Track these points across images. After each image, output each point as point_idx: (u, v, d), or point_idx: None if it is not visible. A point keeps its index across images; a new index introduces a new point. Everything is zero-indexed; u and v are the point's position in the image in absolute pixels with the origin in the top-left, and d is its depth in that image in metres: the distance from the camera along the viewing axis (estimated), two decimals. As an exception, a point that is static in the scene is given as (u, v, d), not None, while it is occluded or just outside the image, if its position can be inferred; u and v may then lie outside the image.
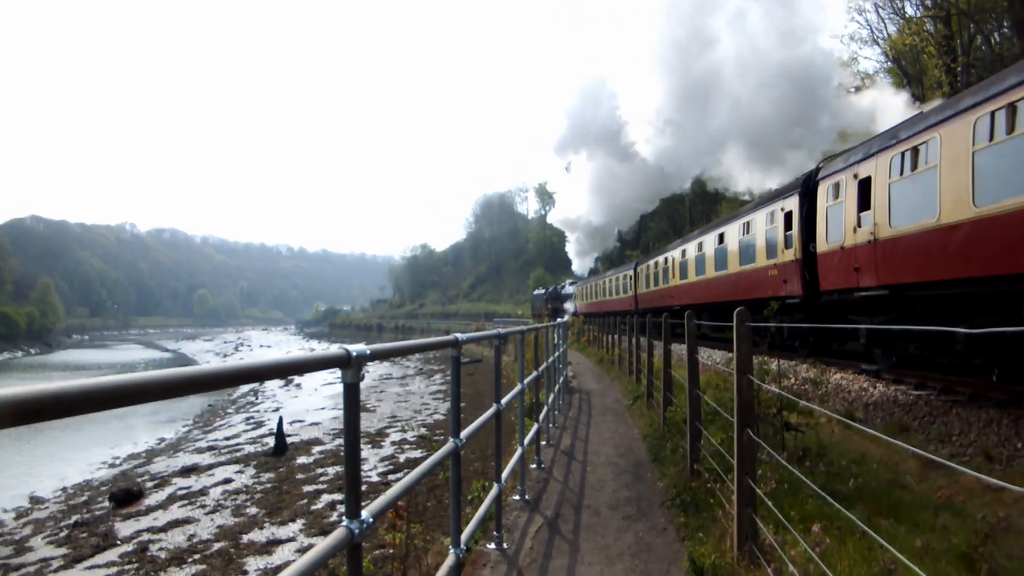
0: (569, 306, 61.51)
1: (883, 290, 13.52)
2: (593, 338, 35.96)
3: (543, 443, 10.16)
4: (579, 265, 79.76)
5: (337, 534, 2.39)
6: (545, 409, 10.67)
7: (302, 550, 11.50)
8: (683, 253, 29.20)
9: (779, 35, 34.42)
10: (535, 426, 8.85)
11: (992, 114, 10.14)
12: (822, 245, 16.23)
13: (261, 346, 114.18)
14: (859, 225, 14.36)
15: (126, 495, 16.32)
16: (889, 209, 13.20)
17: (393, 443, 21.37)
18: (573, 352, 31.22)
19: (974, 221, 10.49)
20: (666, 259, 32.44)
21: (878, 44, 41.65)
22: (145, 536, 13.64)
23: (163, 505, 15.82)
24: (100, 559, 12.59)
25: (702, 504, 6.59)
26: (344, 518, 2.50)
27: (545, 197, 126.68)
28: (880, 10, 39.56)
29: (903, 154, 12.72)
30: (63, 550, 13.24)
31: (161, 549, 12.81)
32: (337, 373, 2.55)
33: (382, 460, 18.80)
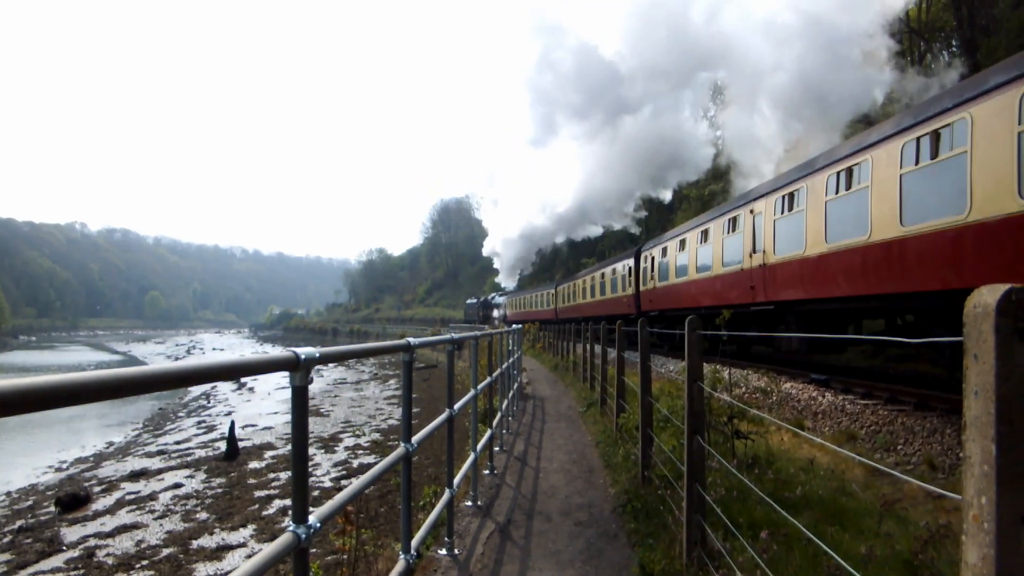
0: (496, 313, 73.69)
1: (657, 312, 26.87)
2: (548, 344, 36.23)
3: (496, 449, 10.16)
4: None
5: (283, 539, 2.36)
6: (499, 415, 10.65)
7: (252, 556, 11.38)
8: (583, 281, 42.47)
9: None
10: (488, 432, 8.82)
11: (681, 241, 24.10)
12: (642, 287, 29.62)
13: (214, 349, 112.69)
14: (651, 279, 27.76)
15: (73, 500, 15.99)
16: (660, 273, 26.37)
17: (347, 448, 21.24)
18: (528, 359, 31.29)
19: (686, 282, 23.13)
20: (574, 284, 45.51)
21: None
22: (92, 542, 13.39)
23: (111, 510, 15.53)
24: (45, 565, 12.32)
25: (653, 510, 6.63)
26: (291, 523, 2.47)
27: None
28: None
29: (661, 248, 26.49)
30: (6, 556, 12.92)
31: (108, 555, 12.58)
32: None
33: (335, 465, 18.68)
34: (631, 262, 31.24)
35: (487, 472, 8.92)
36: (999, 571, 1.56)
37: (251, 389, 41.26)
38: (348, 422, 27.04)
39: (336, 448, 21.31)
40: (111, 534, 13.75)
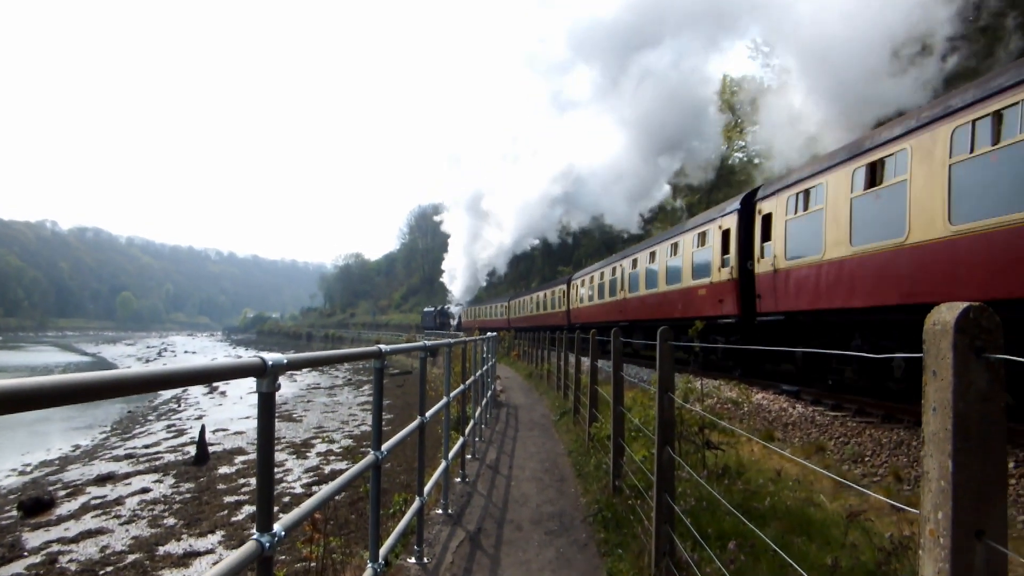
0: (452, 321, 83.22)
1: (579, 324, 35.48)
2: (523, 352, 36.32)
3: (468, 457, 10.14)
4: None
5: (246, 548, 2.34)
6: (471, 423, 10.65)
7: (215, 564, 11.26)
8: (531, 299, 54.09)
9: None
10: (460, 440, 8.81)
11: (590, 277, 36.46)
12: (572, 306, 39.93)
13: (186, 352, 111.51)
14: (576, 301, 38.57)
15: (36, 504, 15.71)
16: (580, 298, 37.78)
17: (319, 454, 21.10)
18: (502, 367, 31.28)
19: (592, 305, 35.08)
20: (523, 299, 57.24)
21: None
22: (55, 547, 13.17)
23: (75, 515, 15.29)
24: (5, 571, 12.10)
25: (623, 520, 6.65)
26: (255, 531, 2.45)
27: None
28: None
29: (580, 280, 38.58)
30: (-36, 561, 12.67)
31: (72, 560, 12.39)
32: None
33: (306, 471, 18.54)
34: (564, 287, 42.89)
35: (459, 480, 8.91)
36: (954, 585, 1.60)
37: (223, 393, 40.88)
38: (321, 428, 26.86)
39: (308, 454, 21.16)
40: (75, 539, 13.53)
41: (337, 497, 11.68)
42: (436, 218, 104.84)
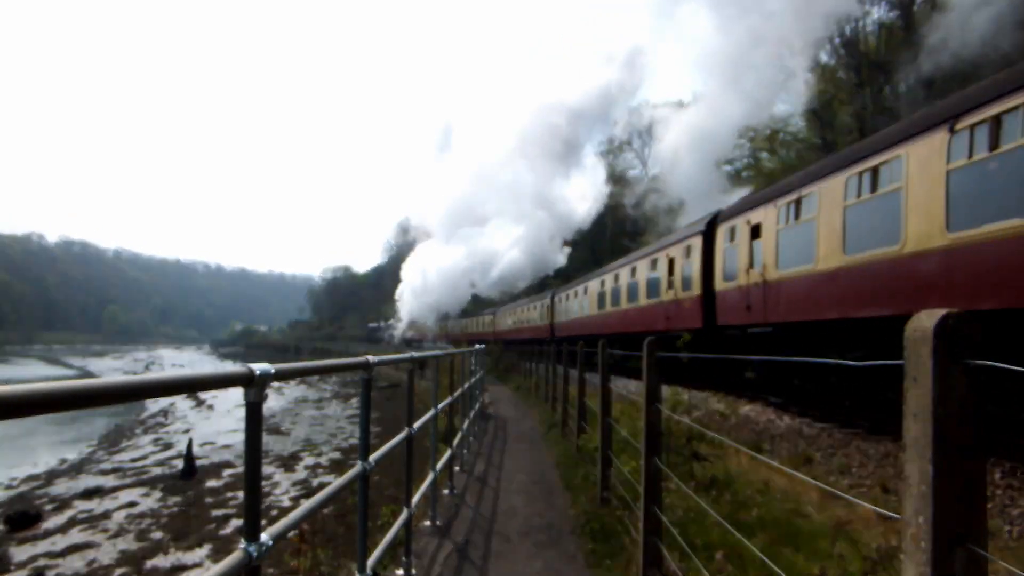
0: (397, 334, 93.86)
1: (500, 340, 50.84)
2: (512, 365, 36.30)
3: (456, 469, 10.12)
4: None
5: (234, 557, 2.34)
6: (460, 435, 10.63)
7: (206, 573, 11.17)
8: (471, 320, 71.56)
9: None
10: (448, 451, 8.80)
11: (514, 310, 56.91)
12: (496, 328, 59.97)
13: (173, 365, 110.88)
14: (500, 324, 59.41)
15: (22, 518, 15.58)
16: (503, 322, 58.46)
17: (307, 467, 20.99)
18: (490, 379, 31.23)
19: (508, 328, 56.13)
20: (463, 321, 74.38)
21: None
22: (41, 561, 13.06)
23: (62, 529, 15.17)
24: (-10, 585, 12.01)
25: (611, 531, 6.65)
26: (243, 540, 2.45)
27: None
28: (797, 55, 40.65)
29: (503, 312, 59.55)
30: (-51, 576, 12.56)
31: (58, 575, 12.28)
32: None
33: (294, 484, 18.44)
34: (491, 317, 61.31)
35: (447, 492, 8.89)
36: (935, 589, 1.63)
37: (210, 406, 40.62)
38: (308, 441, 26.74)
39: (296, 467, 21.05)
40: (62, 553, 13.41)
41: (325, 511, 11.64)
42: (406, 222, 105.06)
